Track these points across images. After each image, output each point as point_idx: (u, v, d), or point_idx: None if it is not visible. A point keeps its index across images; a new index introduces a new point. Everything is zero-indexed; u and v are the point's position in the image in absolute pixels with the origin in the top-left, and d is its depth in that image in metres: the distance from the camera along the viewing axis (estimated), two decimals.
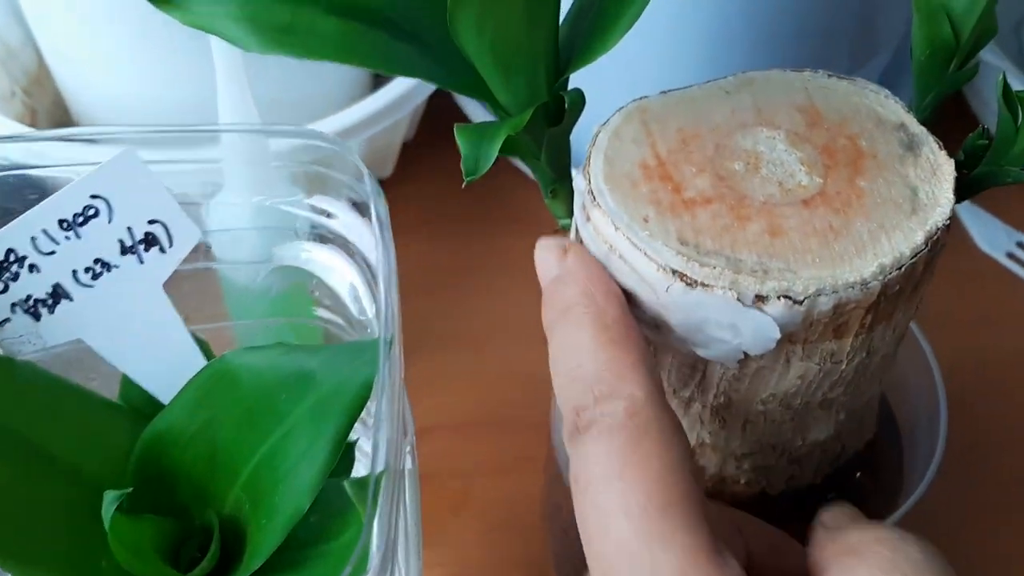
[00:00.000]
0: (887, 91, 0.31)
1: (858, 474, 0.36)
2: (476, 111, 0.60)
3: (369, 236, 0.31)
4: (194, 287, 0.30)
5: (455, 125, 0.30)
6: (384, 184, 0.58)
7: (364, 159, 0.51)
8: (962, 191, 0.32)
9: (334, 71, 0.54)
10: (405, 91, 0.52)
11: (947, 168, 0.29)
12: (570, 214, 0.34)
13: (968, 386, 0.51)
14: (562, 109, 0.31)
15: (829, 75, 0.31)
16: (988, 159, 0.32)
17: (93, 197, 0.28)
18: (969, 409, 0.49)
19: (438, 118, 0.58)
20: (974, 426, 0.50)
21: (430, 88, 0.54)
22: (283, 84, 0.49)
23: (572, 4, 0.32)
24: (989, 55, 0.58)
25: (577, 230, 0.30)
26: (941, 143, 0.30)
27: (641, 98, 0.31)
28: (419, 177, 0.60)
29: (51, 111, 0.58)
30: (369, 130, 0.49)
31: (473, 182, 0.29)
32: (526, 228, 0.58)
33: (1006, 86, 0.30)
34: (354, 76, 0.56)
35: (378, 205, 0.29)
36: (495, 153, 0.29)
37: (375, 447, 0.25)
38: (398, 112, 0.51)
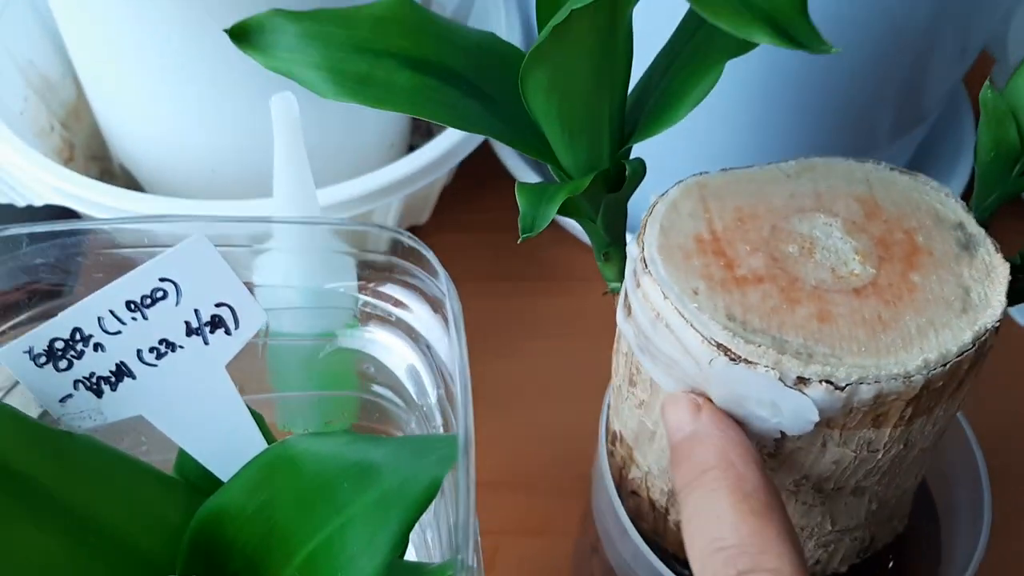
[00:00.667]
0: (948, 189, 0.31)
1: (891, 562, 0.36)
2: (515, 163, 0.59)
3: (434, 324, 0.31)
4: (239, 358, 0.30)
5: (517, 183, 0.31)
6: (418, 231, 0.59)
7: (402, 207, 0.52)
8: (1016, 295, 0.32)
9: (376, 121, 0.54)
10: (451, 146, 0.52)
11: (1002, 271, 0.29)
12: (620, 278, 0.34)
13: (1014, 471, 0.50)
14: (622, 176, 0.32)
15: (891, 168, 0.32)
16: None
17: (162, 280, 0.28)
18: (1012, 497, 0.48)
19: (475, 167, 0.57)
20: (1019, 515, 0.49)
21: (475, 142, 0.54)
22: (324, 132, 0.50)
23: (641, 76, 0.32)
24: None
25: (626, 295, 0.30)
26: (998, 245, 0.30)
27: (702, 173, 0.31)
28: (453, 226, 0.60)
29: (88, 144, 0.59)
30: (415, 185, 0.50)
31: (527, 238, 0.29)
32: (558, 287, 0.58)
33: None
34: (396, 126, 0.56)
35: (453, 304, 0.30)
36: (552, 214, 0.30)
37: (456, 552, 0.25)
38: (443, 167, 0.51)
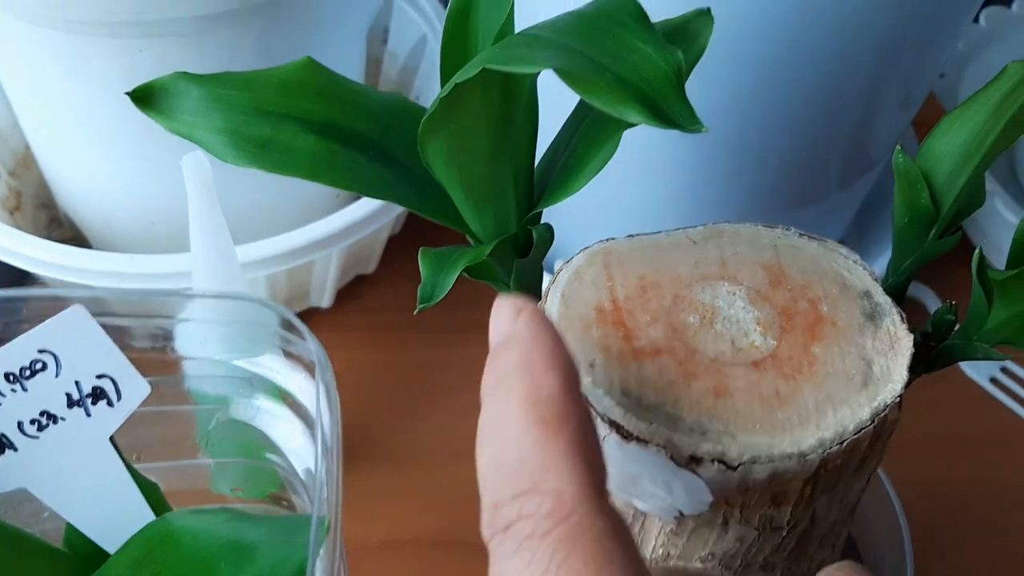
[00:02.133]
0: (857, 256, 0.31)
1: None
2: None
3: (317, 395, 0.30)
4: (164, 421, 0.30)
5: (421, 249, 0.31)
6: (366, 280, 0.58)
7: (346, 258, 0.51)
8: (928, 363, 0.32)
9: None
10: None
11: (906, 343, 0.28)
12: None
13: (938, 516, 0.49)
14: (531, 241, 0.32)
15: (801, 234, 0.31)
16: (959, 332, 0.31)
17: (41, 351, 0.28)
18: (936, 544, 0.48)
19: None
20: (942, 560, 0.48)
21: None
22: (261, 184, 0.49)
23: (552, 141, 0.32)
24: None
25: None
26: (904, 315, 0.29)
27: (608, 240, 0.31)
28: (401, 274, 0.58)
29: (37, 193, 0.58)
30: (355, 236, 0.49)
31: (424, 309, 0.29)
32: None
33: (981, 262, 0.30)
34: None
35: (326, 376, 0.29)
36: (451, 282, 0.29)
37: None
38: (385, 218, 0.50)
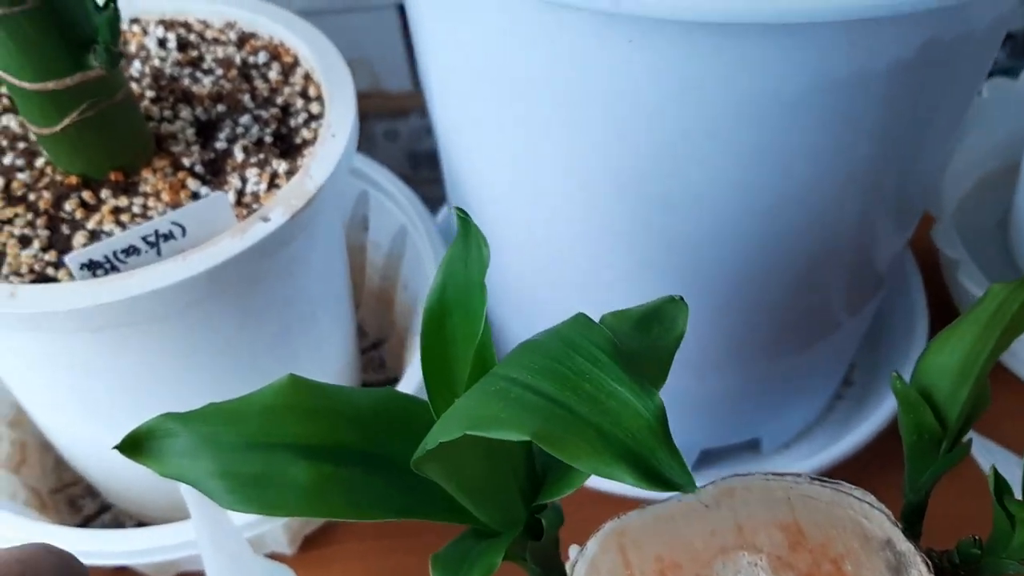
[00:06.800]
0: (872, 497, 0.30)
1: None
2: None
3: None
4: None
5: (431, 557, 0.30)
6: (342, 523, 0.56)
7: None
8: None
9: (312, 361, 0.52)
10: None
11: None
12: None
13: None
14: (541, 525, 0.31)
15: (812, 479, 0.31)
16: (986, 550, 0.31)
17: None
18: None
19: None
20: None
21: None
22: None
23: None
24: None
25: None
26: (929, 563, 0.28)
27: (619, 517, 0.30)
28: None
29: (40, 439, 0.57)
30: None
31: None
32: None
33: (998, 483, 0.29)
34: (339, 363, 0.55)
35: None
36: None
37: None
38: None
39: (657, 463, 0.22)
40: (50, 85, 0.40)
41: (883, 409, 0.53)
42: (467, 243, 0.29)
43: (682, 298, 0.29)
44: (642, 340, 0.29)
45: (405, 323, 0.58)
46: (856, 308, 0.51)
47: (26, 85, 0.40)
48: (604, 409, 0.23)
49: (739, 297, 0.44)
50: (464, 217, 0.29)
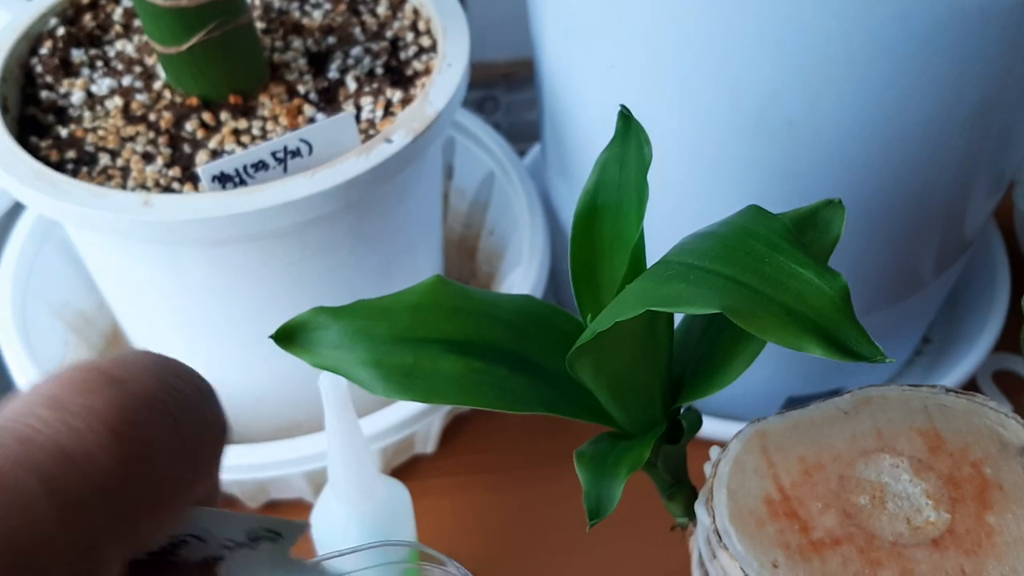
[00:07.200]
0: (1007, 407, 0.31)
1: None
2: None
3: None
4: None
5: (576, 452, 0.31)
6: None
7: (404, 438, 0.51)
8: None
9: None
10: None
11: None
12: (687, 514, 0.34)
13: None
14: (678, 428, 0.32)
15: (948, 391, 0.31)
16: None
17: None
18: None
19: None
20: None
21: None
22: None
23: (678, 341, 0.32)
24: None
25: (702, 560, 0.30)
26: None
27: (760, 419, 0.31)
28: (458, 451, 0.57)
29: None
30: (412, 427, 0.50)
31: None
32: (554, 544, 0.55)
33: None
34: None
35: None
36: (618, 495, 0.29)
37: None
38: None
39: (844, 337, 0.23)
40: (183, 1, 0.41)
41: (963, 365, 0.54)
42: (626, 142, 0.30)
43: (840, 201, 0.30)
44: None
45: (491, 269, 0.59)
46: (942, 268, 0.52)
47: (159, 1, 0.41)
48: (787, 288, 0.24)
49: (844, 243, 0.45)
50: (627, 114, 0.29)
